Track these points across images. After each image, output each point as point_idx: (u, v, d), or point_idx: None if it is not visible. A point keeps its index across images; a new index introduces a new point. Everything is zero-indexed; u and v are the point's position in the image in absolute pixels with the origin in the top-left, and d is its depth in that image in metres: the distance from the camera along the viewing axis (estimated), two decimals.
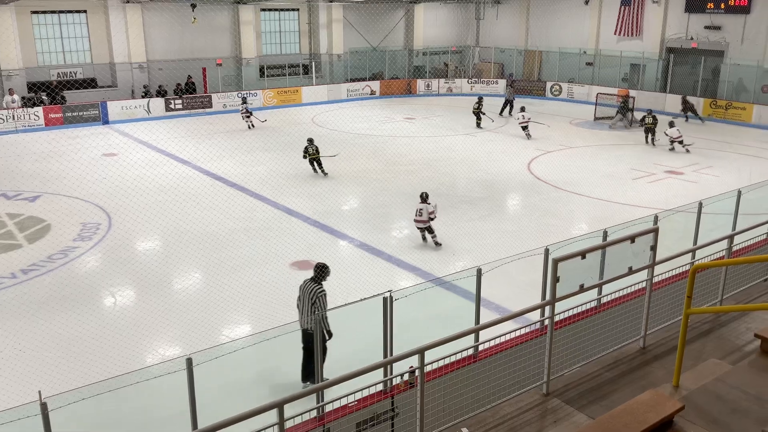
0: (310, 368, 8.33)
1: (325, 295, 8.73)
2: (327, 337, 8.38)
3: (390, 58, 37.97)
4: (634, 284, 7.68)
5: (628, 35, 34.12)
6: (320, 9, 36.01)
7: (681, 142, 23.20)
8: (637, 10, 33.57)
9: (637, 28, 33.76)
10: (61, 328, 10.32)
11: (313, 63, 35.45)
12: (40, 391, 5.40)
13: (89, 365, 9.09)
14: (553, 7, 37.11)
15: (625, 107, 28.20)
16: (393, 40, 39.10)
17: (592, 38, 35.71)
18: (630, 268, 6.87)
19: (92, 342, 9.91)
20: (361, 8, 36.92)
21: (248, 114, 27.46)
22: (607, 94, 30.23)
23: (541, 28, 38.05)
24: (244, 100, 29.03)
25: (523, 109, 26.24)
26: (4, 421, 5.38)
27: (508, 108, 30.43)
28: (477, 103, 27.89)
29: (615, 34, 34.60)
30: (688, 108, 29.07)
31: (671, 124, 23.74)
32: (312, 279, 8.87)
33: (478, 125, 27.38)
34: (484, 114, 27.37)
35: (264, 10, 34.86)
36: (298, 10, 36.14)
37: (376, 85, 36.27)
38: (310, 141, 20.08)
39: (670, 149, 23.44)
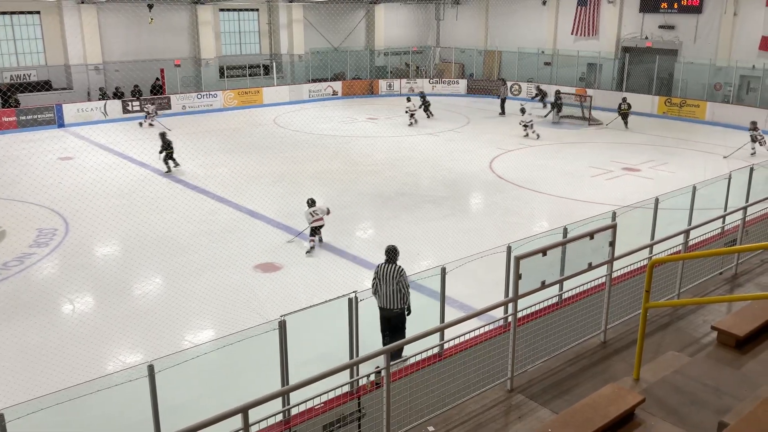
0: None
1: (405, 272, 9.29)
2: (407, 313, 9.17)
3: (351, 58, 37.92)
4: (594, 280, 7.81)
5: (584, 35, 34.71)
6: (280, 9, 35.76)
7: (530, 126, 25.35)
8: (593, 11, 34.17)
9: (594, 28, 34.36)
10: (19, 337, 10.06)
11: (274, 63, 35.19)
12: None
13: (48, 374, 8.87)
14: (511, 8, 37.53)
15: (539, 96, 30.35)
16: (354, 40, 39.06)
17: (549, 38, 36.24)
18: (590, 264, 6.99)
19: (51, 350, 9.67)
20: (321, 8, 36.79)
21: (150, 115, 27.70)
22: (566, 93, 30.71)
23: (500, 29, 38.46)
24: (152, 102, 28.87)
25: (409, 99, 28.47)
26: None
27: (504, 105, 31.15)
28: (422, 101, 29.33)
29: (572, 34, 35.17)
30: (541, 95, 31.57)
31: (522, 111, 25.90)
32: (386, 262, 9.36)
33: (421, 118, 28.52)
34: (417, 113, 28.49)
35: (223, 10, 34.47)
36: (257, 10, 35.83)
37: (338, 85, 36.19)
38: (164, 134, 20.67)
39: (524, 135, 25.32)
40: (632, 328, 7.55)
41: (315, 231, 14.10)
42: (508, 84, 36.09)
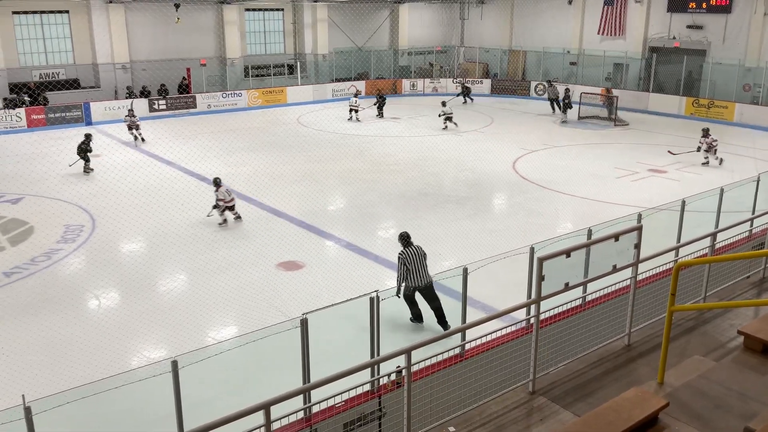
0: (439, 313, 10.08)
1: None
2: None
3: (375, 58, 37.95)
4: (619, 282, 7.73)
5: (611, 35, 34.37)
6: (305, 9, 35.92)
7: (450, 119, 26.90)
8: (620, 10, 33.82)
9: (620, 27, 34.01)
10: (45, 331, 10.23)
11: (298, 63, 35.35)
12: (23, 395, 5.35)
13: (74, 368, 9.01)
14: (537, 7, 37.29)
15: (464, 92, 31.86)
16: (378, 40, 39.09)
17: (575, 38, 35.92)
18: (614, 266, 6.91)
19: (76, 345, 9.83)
20: (345, 8, 36.88)
21: (134, 126, 24.36)
22: (591, 94, 30.44)
23: (525, 28, 38.23)
24: (131, 113, 25.09)
25: (357, 95, 30.28)
26: None
27: (555, 105, 31.22)
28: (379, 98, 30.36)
29: (598, 33, 34.83)
30: (465, 92, 33.17)
31: (443, 104, 27.40)
32: (406, 246, 10.32)
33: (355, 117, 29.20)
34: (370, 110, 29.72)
35: (248, 9, 34.71)
36: (282, 10, 36.03)
37: (361, 84, 36.21)
38: (88, 136, 20.50)
39: (443, 128, 26.73)
40: (657, 332, 7.47)
41: (230, 209, 15.39)
42: (532, 84, 35.94)
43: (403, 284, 10.09)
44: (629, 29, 33.73)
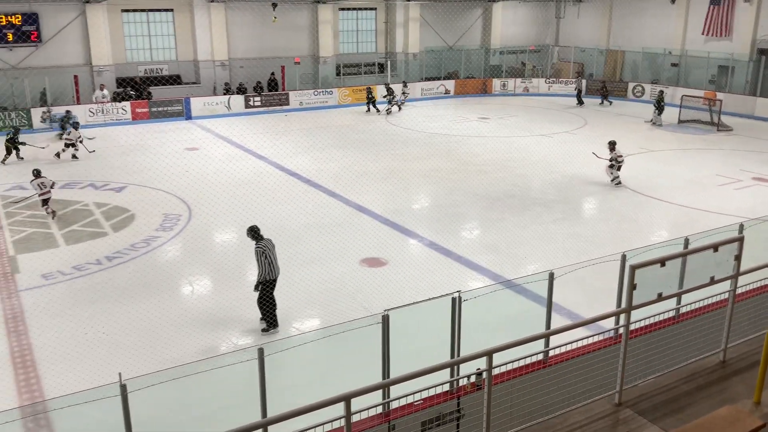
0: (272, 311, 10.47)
1: None
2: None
3: (466, 57, 37.72)
4: (716, 295, 7.37)
5: (716, 35, 32.68)
6: (398, 8, 36.14)
7: (396, 104, 30.53)
8: (727, 10, 32.09)
9: (727, 28, 32.28)
10: (142, 314, 10.78)
11: (389, 62, 35.61)
12: (120, 374, 5.65)
13: (166, 350, 9.46)
14: (637, 6, 35.98)
15: (660, 102, 28.42)
16: (469, 38, 38.83)
17: (677, 38, 34.40)
18: (712, 278, 6.61)
19: (170, 328, 10.30)
20: (438, 7, 36.85)
21: (71, 142, 21.45)
22: (693, 97, 29.05)
23: (624, 28, 36.97)
24: (74, 126, 22.16)
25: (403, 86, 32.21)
26: (86, 400, 5.66)
27: (579, 98, 33.11)
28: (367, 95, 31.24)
29: (703, 34, 33.19)
30: (391, 94, 32.22)
31: (391, 91, 30.71)
32: (259, 238, 10.51)
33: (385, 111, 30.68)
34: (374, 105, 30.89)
35: (342, 9, 35.27)
36: (375, 9, 36.40)
37: (450, 84, 36.12)
38: (17, 129, 21.81)
39: (387, 111, 30.16)
40: (755, 349, 7.08)
41: (45, 202, 15.60)
42: (630, 85, 34.75)
43: (262, 278, 10.28)
44: (736, 30, 31.97)
